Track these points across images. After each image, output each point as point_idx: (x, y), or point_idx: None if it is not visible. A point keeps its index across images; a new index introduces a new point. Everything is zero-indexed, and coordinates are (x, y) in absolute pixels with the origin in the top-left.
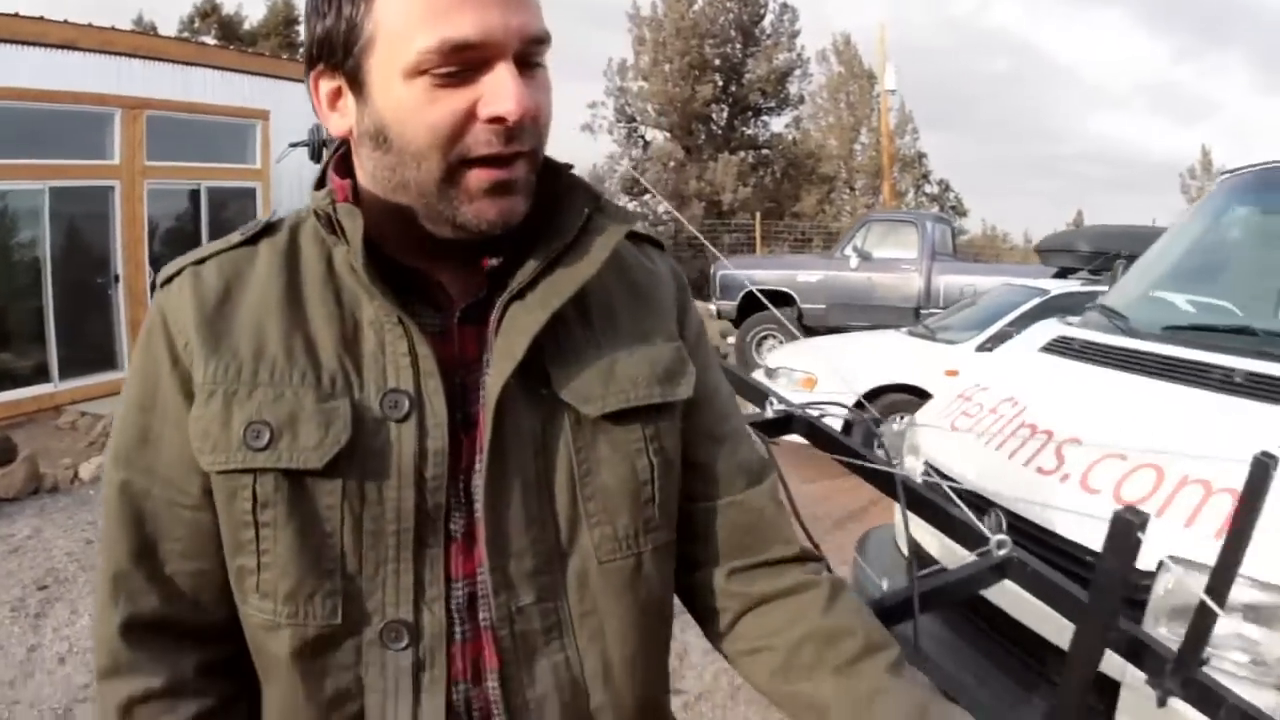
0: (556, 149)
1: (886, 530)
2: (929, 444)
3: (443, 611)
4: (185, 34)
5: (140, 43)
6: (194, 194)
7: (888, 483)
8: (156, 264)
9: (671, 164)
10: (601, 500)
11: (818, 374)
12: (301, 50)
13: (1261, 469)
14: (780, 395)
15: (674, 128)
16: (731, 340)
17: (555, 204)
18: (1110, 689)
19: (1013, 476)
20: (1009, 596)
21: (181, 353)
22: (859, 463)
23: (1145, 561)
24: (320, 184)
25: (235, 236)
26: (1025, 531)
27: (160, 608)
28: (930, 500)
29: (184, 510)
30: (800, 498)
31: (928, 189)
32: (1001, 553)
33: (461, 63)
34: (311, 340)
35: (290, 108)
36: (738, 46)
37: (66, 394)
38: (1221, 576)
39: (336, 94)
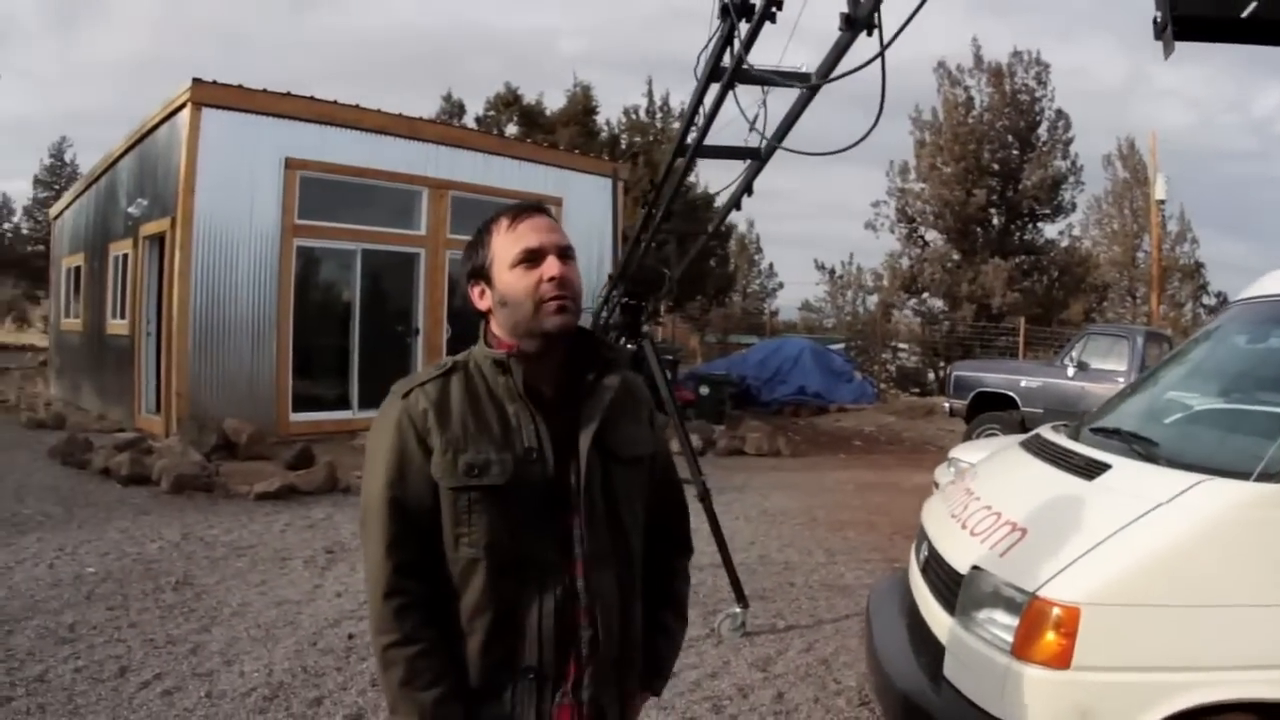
0: (846, 242)
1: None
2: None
3: (554, 551)
4: (490, 115)
5: (446, 133)
6: None
7: None
8: (454, 320)
9: (948, 265)
10: (629, 503)
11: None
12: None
13: None
14: None
15: (950, 230)
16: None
17: (590, 350)
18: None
19: (943, 521)
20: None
21: (422, 431)
22: None
23: (963, 567)
24: (485, 341)
25: (434, 370)
26: (935, 552)
27: (413, 556)
28: None
29: (420, 510)
30: None
31: (1205, 300)
32: None
33: (531, 257)
34: (488, 424)
35: (580, 195)
36: (1014, 153)
37: (363, 421)
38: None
39: (481, 292)
